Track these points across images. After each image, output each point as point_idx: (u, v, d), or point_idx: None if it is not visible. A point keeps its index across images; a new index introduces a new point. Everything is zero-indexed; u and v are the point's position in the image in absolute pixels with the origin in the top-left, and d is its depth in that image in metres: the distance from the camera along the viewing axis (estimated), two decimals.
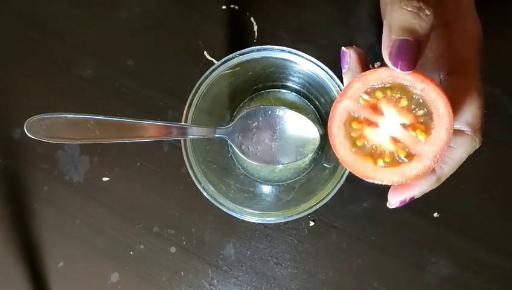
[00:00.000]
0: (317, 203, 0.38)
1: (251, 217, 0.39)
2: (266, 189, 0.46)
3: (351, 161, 0.26)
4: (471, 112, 0.27)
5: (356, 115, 0.26)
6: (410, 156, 0.25)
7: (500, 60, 0.46)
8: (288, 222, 0.46)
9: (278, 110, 0.36)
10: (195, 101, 0.39)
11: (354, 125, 0.26)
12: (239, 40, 0.48)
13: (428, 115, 0.24)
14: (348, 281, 0.45)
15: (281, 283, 0.46)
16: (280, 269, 0.46)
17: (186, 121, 0.38)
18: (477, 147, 0.29)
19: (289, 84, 0.45)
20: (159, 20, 0.49)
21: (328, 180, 0.39)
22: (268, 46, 0.38)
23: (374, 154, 0.26)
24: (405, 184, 0.28)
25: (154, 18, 0.49)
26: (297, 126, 0.38)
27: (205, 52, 0.48)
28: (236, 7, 0.48)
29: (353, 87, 0.25)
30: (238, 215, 0.39)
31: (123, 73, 0.48)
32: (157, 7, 0.49)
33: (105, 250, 0.47)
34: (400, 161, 0.25)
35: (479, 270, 0.44)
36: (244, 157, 0.35)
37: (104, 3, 0.50)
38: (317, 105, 0.45)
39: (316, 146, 0.40)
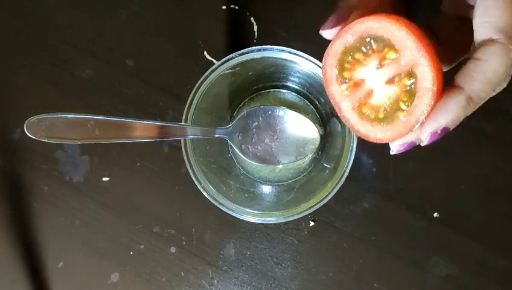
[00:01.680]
0: (317, 203, 0.38)
1: (251, 217, 0.39)
2: (266, 189, 0.46)
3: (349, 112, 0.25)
4: (500, 16, 0.23)
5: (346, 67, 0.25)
6: (398, 110, 0.24)
7: None
8: (288, 222, 0.46)
9: (278, 110, 0.36)
10: (195, 101, 0.39)
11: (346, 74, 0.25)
12: (239, 40, 0.48)
13: (413, 75, 0.23)
14: (348, 281, 0.45)
15: (281, 283, 0.46)
16: (280, 269, 0.46)
17: (186, 121, 0.38)
18: (507, 52, 0.23)
19: (289, 84, 0.45)
20: (159, 20, 0.49)
21: (328, 180, 0.39)
22: (268, 46, 0.38)
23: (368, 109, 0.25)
24: (430, 113, 0.24)
25: (154, 18, 0.49)
26: (297, 126, 0.38)
27: (205, 52, 0.48)
28: (236, 7, 0.48)
29: (342, 39, 0.24)
30: (238, 215, 0.39)
31: (123, 73, 0.48)
32: (157, 7, 0.49)
33: (105, 250, 0.47)
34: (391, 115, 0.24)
35: (479, 270, 0.44)
36: (244, 158, 0.35)
37: (104, 3, 0.50)
38: (317, 105, 0.45)
39: (316, 146, 0.40)
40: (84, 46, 0.49)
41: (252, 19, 0.48)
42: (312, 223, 0.46)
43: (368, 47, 0.23)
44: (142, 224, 0.47)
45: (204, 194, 0.39)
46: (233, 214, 0.39)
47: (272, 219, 0.39)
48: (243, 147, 0.35)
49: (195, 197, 0.41)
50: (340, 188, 0.38)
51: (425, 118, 0.23)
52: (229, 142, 0.35)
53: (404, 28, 0.22)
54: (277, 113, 0.36)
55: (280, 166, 0.46)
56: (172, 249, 0.47)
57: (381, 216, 0.45)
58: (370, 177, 0.46)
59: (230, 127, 0.34)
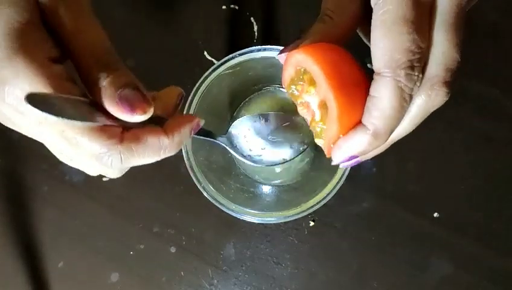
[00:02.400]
0: (317, 204, 0.38)
1: (251, 217, 0.39)
2: (266, 189, 0.46)
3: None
4: (384, 48, 0.22)
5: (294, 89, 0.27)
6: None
7: (500, 60, 0.46)
8: (288, 222, 0.46)
9: (262, 117, 0.36)
10: (195, 101, 0.39)
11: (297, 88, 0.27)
12: (239, 40, 0.48)
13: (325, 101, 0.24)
14: (348, 281, 0.45)
15: (281, 283, 0.46)
16: (280, 269, 0.46)
17: None
18: (409, 91, 0.22)
19: None
20: (159, 20, 0.49)
21: (328, 181, 0.39)
22: (268, 46, 0.38)
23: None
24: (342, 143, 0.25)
25: (154, 18, 0.49)
26: (289, 124, 0.37)
27: (205, 52, 0.48)
28: (236, 7, 0.48)
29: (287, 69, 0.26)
30: (238, 216, 0.39)
31: None
32: (157, 7, 0.49)
33: (105, 250, 0.47)
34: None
35: (479, 270, 0.44)
36: (244, 161, 0.35)
37: (104, 2, 0.50)
38: None
39: (311, 138, 0.40)
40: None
41: (252, 18, 0.48)
42: (312, 223, 0.46)
43: (301, 77, 0.26)
44: (142, 224, 0.47)
45: (204, 194, 0.39)
46: (233, 214, 0.39)
47: (271, 219, 0.39)
48: (244, 153, 0.35)
49: (195, 197, 0.41)
50: (340, 188, 0.38)
51: (333, 144, 0.24)
52: (228, 149, 0.35)
53: (316, 64, 0.23)
54: (263, 120, 0.37)
55: (280, 168, 0.46)
56: (172, 249, 0.47)
57: (381, 216, 0.45)
58: (370, 177, 0.46)
59: (224, 136, 0.35)
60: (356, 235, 0.45)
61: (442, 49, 0.22)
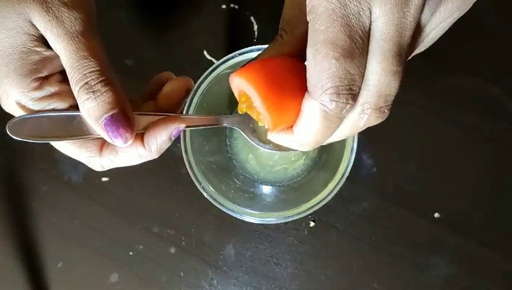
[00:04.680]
0: (317, 204, 0.38)
1: (251, 217, 0.39)
2: (266, 189, 0.46)
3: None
4: (314, 68, 0.21)
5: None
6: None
7: (500, 60, 0.46)
8: (288, 222, 0.46)
9: None
10: (195, 100, 0.39)
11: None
12: (239, 39, 0.48)
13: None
14: (348, 282, 0.45)
15: (281, 284, 0.46)
16: (280, 269, 0.46)
17: None
18: (336, 115, 0.21)
19: None
20: (158, 20, 0.49)
21: (328, 181, 0.39)
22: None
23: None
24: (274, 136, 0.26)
25: (153, 17, 0.49)
26: None
27: (205, 52, 0.48)
28: (236, 7, 0.48)
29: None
30: (238, 216, 0.39)
31: (123, 73, 0.48)
32: (157, 7, 0.49)
33: (104, 250, 0.47)
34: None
35: (479, 270, 0.44)
36: (258, 146, 0.33)
37: (104, 2, 0.49)
38: None
39: None
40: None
41: (252, 18, 0.48)
42: (312, 224, 0.46)
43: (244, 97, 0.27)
44: (141, 224, 0.47)
45: (204, 194, 0.39)
46: (233, 214, 0.39)
47: (272, 219, 0.39)
48: (255, 134, 0.34)
49: (195, 197, 0.41)
50: (340, 188, 0.38)
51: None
52: (240, 131, 0.32)
53: (247, 83, 0.24)
54: None
55: (279, 168, 0.46)
56: (172, 250, 0.47)
57: (381, 216, 0.45)
58: (370, 177, 0.46)
59: (238, 114, 0.33)
60: (356, 235, 0.45)
61: (376, 77, 0.21)
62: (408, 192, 0.45)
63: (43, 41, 0.26)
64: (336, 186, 0.38)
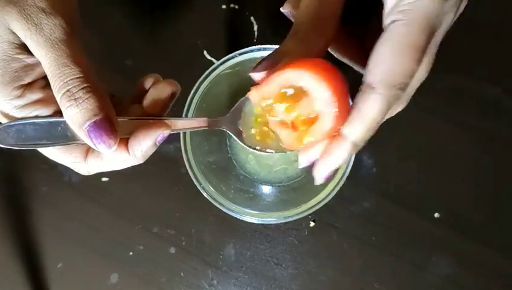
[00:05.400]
0: (317, 204, 0.38)
1: (251, 217, 0.39)
2: (266, 189, 0.46)
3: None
4: (391, 66, 0.22)
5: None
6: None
7: (500, 60, 0.46)
8: (288, 222, 0.46)
9: None
10: (195, 101, 0.39)
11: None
12: (239, 40, 0.48)
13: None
14: (348, 282, 0.45)
15: (281, 284, 0.46)
16: (280, 269, 0.46)
17: None
18: (391, 106, 0.23)
19: None
20: (158, 20, 0.49)
21: (328, 181, 0.39)
22: (268, 46, 0.38)
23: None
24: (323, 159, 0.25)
25: (153, 18, 0.49)
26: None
27: (205, 52, 0.48)
28: (236, 7, 0.48)
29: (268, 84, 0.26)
30: (238, 216, 0.39)
31: (123, 73, 0.48)
32: (157, 7, 0.49)
33: (104, 251, 0.47)
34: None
35: (479, 270, 0.44)
36: (247, 148, 0.33)
37: (103, 3, 0.49)
38: None
39: None
40: (84, 47, 0.49)
41: (252, 18, 0.48)
42: (312, 224, 0.46)
43: (284, 94, 0.26)
44: (141, 224, 0.47)
45: (204, 194, 0.39)
46: (233, 214, 0.39)
47: (272, 219, 0.39)
48: (244, 135, 0.33)
49: (195, 198, 0.41)
50: (340, 188, 0.38)
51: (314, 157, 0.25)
52: (228, 132, 0.32)
53: (317, 77, 0.24)
54: None
55: (278, 168, 0.46)
56: (172, 250, 0.47)
57: (381, 216, 0.45)
58: (370, 177, 0.46)
59: (227, 115, 0.33)
60: (356, 235, 0.45)
61: (420, 73, 0.24)
62: (408, 192, 0.45)
63: (25, 48, 0.25)
64: (335, 186, 0.38)
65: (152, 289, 0.47)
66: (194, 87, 0.39)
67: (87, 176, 0.42)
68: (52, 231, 0.48)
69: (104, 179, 0.48)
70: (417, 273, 0.45)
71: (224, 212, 0.39)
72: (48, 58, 0.24)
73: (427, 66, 0.24)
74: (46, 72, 0.25)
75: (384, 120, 0.24)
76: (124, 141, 0.27)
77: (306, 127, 0.25)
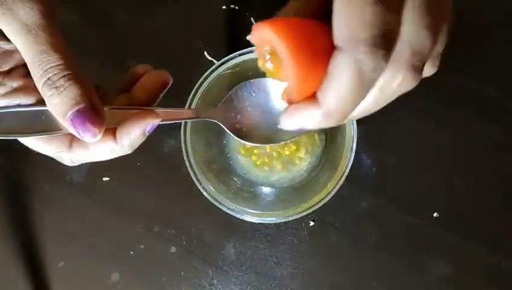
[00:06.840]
0: (317, 203, 0.38)
1: (251, 217, 0.40)
2: (266, 189, 0.46)
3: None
4: (347, 18, 0.19)
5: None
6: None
7: (500, 60, 0.46)
8: (288, 222, 0.46)
9: (268, 81, 0.32)
10: (195, 101, 0.39)
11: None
12: (239, 40, 0.48)
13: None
14: (348, 281, 0.45)
15: (281, 283, 0.46)
16: (280, 269, 0.46)
17: (185, 122, 0.38)
18: (371, 71, 0.19)
19: None
20: (158, 20, 0.49)
21: (327, 181, 0.39)
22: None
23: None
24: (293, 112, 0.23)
25: (153, 18, 0.49)
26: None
27: (205, 52, 0.48)
28: (236, 7, 0.48)
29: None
30: (238, 215, 0.40)
31: (123, 73, 0.48)
32: (156, 7, 0.49)
33: (105, 250, 0.48)
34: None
35: (479, 270, 0.44)
36: (239, 140, 0.31)
37: (103, 3, 0.50)
38: None
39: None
40: (84, 47, 0.49)
41: (252, 19, 0.48)
42: (312, 223, 0.46)
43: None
44: (142, 224, 0.47)
45: (204, 194, 0.40)
46: (233, 214, 0.39)
47: (272, 219, 0.39)
48: (237, 127, 0.32)
49: (195, 197, 0.41)
50: (340, 188, 0.38)
51: (288, 102, 0.23)
52: (220, 124, 0.31)
53: (275, 34, 0.23)
54: (269, 84, 0.33)
55: (278, 172, 0.46)
56: (173, 249, 0.47)
57: (381, 216, 0.45)
58: (370, 177, 0.46)
59: (219, 106, 0.31)
60: (356, 235, 0.45)
61: (409, 29, 0.19)
62: (407, 192, 0.45)
63: (1, 34, 0.24)
64: (335, 186, 0.38)
65: (153, 288, 0.47)
66: (195, 88, 0.39)
67: (88, 175, 0.42)
68: (53, 230, 0.48)
69: (105, 178, 0.48)
70: (416, 273, 0.45)
71: (225, 212, 0.39)
72: (25, 45, 0.23)
73: (413, 20, 0.19)
74: (24, 59, 0.24)
75: (395, 95, 0.21)
76: (111, 131, 0.26)
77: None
